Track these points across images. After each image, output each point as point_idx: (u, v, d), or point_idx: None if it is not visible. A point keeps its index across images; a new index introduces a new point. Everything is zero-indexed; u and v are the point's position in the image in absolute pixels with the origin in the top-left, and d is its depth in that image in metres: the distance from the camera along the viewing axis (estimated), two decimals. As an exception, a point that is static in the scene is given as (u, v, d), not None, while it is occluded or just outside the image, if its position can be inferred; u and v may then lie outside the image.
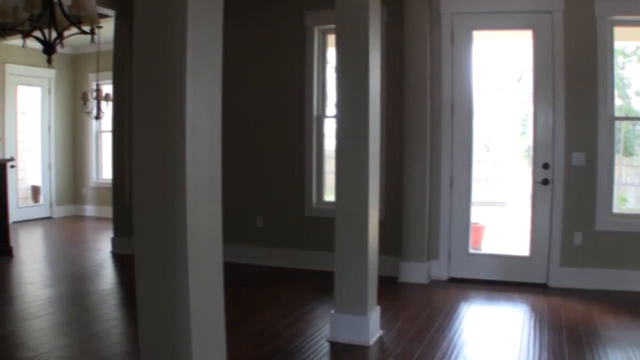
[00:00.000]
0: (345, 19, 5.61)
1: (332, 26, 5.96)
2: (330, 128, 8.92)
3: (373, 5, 5.59)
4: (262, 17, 9.17)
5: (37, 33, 6.59)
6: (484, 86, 8.41)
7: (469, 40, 8.05)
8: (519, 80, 9.60)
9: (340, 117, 5.71)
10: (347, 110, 5.66)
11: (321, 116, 8.98)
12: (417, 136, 8.05)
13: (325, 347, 5.64)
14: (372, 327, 5.71)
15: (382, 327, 6.04)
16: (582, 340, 5.76)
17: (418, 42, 8.02)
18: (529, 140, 8.23)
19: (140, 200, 3.39)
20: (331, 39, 8.90)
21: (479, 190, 8.55)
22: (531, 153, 7.97)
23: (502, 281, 7.89)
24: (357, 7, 5.54)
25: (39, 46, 6.83)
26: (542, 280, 7.79)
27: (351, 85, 5.63)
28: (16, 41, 9.63)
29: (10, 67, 13.87)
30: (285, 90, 9.06)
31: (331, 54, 8.94)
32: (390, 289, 7.60)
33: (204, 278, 3.37)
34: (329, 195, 9.01)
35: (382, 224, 6.46)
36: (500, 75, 8.96)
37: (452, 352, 5.48)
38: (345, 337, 5.71)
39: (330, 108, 8.97)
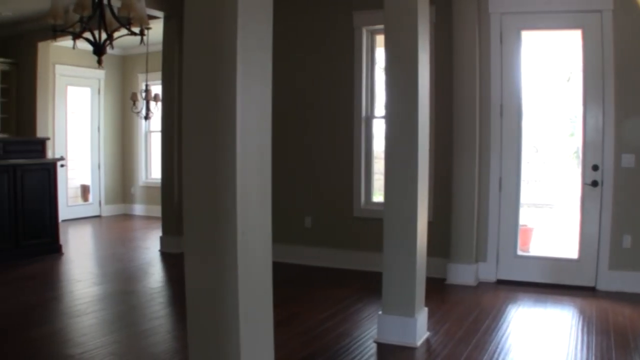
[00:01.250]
0: (394, 20, 5.59)
1: (381, 26, 5.95)
2: (379, 129, 8.90)
3: (422, 6, 5.56)
4: (311, 18, 9.19)
5: (87, 34, 6.65)
6: (532, 87, 8.33)
7: (517, 40, 7.97)
8: (568, 80, 9.50)
9: (389, 118, 5.68)
10: (396, 111, 5.63)
11: (370, 117, 8.96)
12: (466, 137, 8.00)
13: (372, 348, 5.63)
14: (419, 329, 5.68)
15: (430, 328, 6.01)
16: (630, 344, 5.67)
17: (467, 43, 7.97)
18: (578, 141, 8.13)
19: (191, 200, 3.40)
20: (379, 39, 8.89)
21: (527, 192, 8.45)
22: (580, 154, 7.88)
23: (550, 284, 7.81)
24: (406, 7, 5.51)
25: (88, 47, 6.89)
26: (590, 284, 7.70)
27: (400, 86, 5.60)
28: (66, 42, 9.72)
29: (60, 68, 14.05)
30: (334, 91, 9.06)
31: (379, 54, 8.93)
32: (438, 290, 7.56)
33: (253, 277, 3.38)
34: (378, 196, 8.99)
35: (431, 225, 6.43)
36: (549, 76, 8.88)
37: (499, 355, 5.43)
38: (392, 339, 5.69)
39: (379, 109, 8.95)
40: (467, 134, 7.98)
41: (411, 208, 5.58)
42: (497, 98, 8.00)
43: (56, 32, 6.53)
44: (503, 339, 5.84)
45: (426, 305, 5.98)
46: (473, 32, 7.94)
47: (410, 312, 5.63)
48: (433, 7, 7.72)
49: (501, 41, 7.98)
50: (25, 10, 11.64)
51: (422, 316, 5.77)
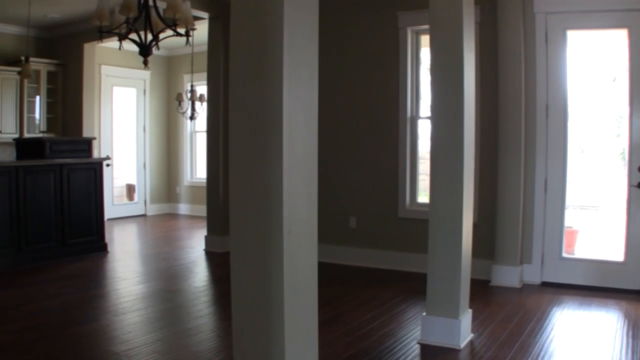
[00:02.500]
0: (439, 20, 5.56)
1: (426, 27, 5.93)
2: (424, 129, 8.88)
3: (467, 5, 5.54)
4: (355, 18, 9.19)
5: (133, 35, 6.72)
6: (578, 87, 8.24)
7: (563, 40, 7.90)
8: (613, 80, 9.40)
9: (435, 119, 5.65)
10: (442, 111, 5.60)
11: (415, 117, 8.93)
12: (511, 137, 7.94)
13: (415, 349, 5.61)
14: (463, 331, 5.66)
15: (473, 330, 5.98)
16: (678, 348, 5.62)
17: (512, 43, 7.92)
18: (624, 142, 8.04)
19: (237, 199, 3.43)
20: (424, 39, 8.86)
21: (572, 193, 8.37)
22: (626, 156, 7.79)
23: (595, 287, 7.72)
24: (451, 7, 5.49)
25: (134, 48, 6.96)
26: (636, 287, 7.59)
27: (445, 87, 5.57)
28: (112, 44, 9.82)
29: (105, 69, 14.22)
30: (379, 92, 9.06)
31: (424, 54, 8.91)
32: (482, 292, 7.52)
33: (299, 277, 3.39)
34: (422, 197, 8.97)
35: (475, 226, 6.38)
36: (594, 76, 8.79)
37: (542, 358, 5.38)
38: (436, 340, 5.67)
39: (424, 109, 8.92)
40: (513, 134, 7.93)
41: (456, 209, 5.55)
42: (543, 98, 7.94)
43: (102, 34, 6.59)
44: (547, 342, 5.79)
45: (470, 306, 5.96)
46: (518, 32, 7.89)
47: (454, 314, 5.61)
48: (478, 7, 7.66)
49: (546, 41, 7.91)
50: (71, 12, 11.79)
51: (466, 318, 5.75)
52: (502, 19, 7.95)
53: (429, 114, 5.79)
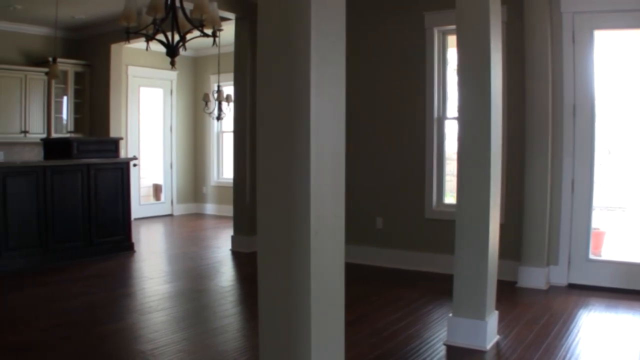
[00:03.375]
0: (466, 20, 5.54)
1: (452, 27, 5.90)
2: (451, 130, 8.85)
3: (493, 5, 5.52)
4: (381, 18, 9.18)
5: (160, 36, 6.74)
6: (605, 87, 8.19)
7: (590, 40, 7.84)
8: (643, 81, 9.34)
9: (462, 119, 5.63)
10: (469, 112, 5.57)
11: (442, 118, 8.90)
12: (538, 138, 7.89)
13: (441, 351, 5.59)
14: (489, 332, 5.63)
15: (500, 332, 5.95)
16: None
17: (538, 42, 7.87)
18: (652, 143, 7.99)
19: (264, 200, 3.43)
20: (451, 39, 8.84)
21: (599, 194, 8.31)
22: (655, 157, 7.75)
23: (622, 289, 7.65)
24: (478, 8, 5.47)
25: (160, 49, 6.99)
26: (664, 289, 7.56)
27: (472, 87, 5.55)
28: (139, 44, 9.85)
29: (132, 69, 14.29)
30: (405, 92, 9.04)
31: (451, 55, 8.88)
32: (509, 293, 7.49)
33: (326, 278, 3.40)
34: (449, 198, 8.94)
35: (502, 227, 6.32)
36: (622, 76, 8.73)
37: (569, 360, 5.38)
38: (462, 341, 5.65)
39: (451, 109, 8.89)
40: (539, 134, 7.88)
41: (483, 210, 5.52)
42: (570, 99, 7.89)
43: (129, 35, 6.62)
44: (573, 344, 5.76)
45: (496, 308, 5.93)
46: (545, 32, 7.85)
47: (480, 315, 5.59)
48: (504, 7, 7.65)
49: (573, 41, 7.86)
50: (98, 14, 11.88)
51: (492, 319, 5.73)
52: (528, 19, 7.91)
53: (455, 114, 5.76)
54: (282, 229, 3.36)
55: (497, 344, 5.70)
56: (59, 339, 5.85)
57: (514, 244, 8.05)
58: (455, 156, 5.71)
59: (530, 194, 7.95)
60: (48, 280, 8.26)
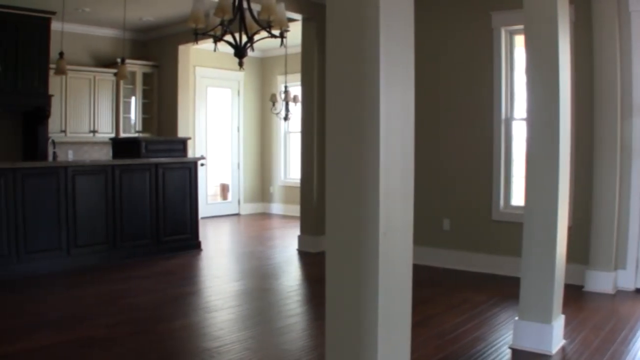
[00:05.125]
0: (534, 20, 5.47)
1: (520, 27, 5.84)
2: (518, 130, 8.74)
3: (562, 5, 5.45)
4: (448, 18, 9.13)
5: (228, 37, 6.79)
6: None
7: (661, 39, 7.72)
8: None
9: (531, 121, 5.55)
10: (537, 113, 5.49)
11: (509, 118, 8.80)
12: (607, 139, 7.75)
13: (506, 354, 5.54)
14: (555, 336, 5.56)
15: (565, 336, 5.86)
16: None
17: (607, 42, 7.74)
18: None
19: (333, 200, 3.45)
20: (518, 39, 8.75)
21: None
22: None
23: (694, 294, 7.53)
24: (546, 7, 5.40)
25: (227, 50, 7.04)
26: None
27: (541, 88, 5.47)
28: (206, 45, 9.96)
29: (200, 70, 14.44)
30: (473, 92, 8.97)
31: (518, 54, 8.79)
32: (575, 297, 7.38)
33: (394, 279, 3.39)
34: (517, 199, 8.84)
35: (569, 230, 6.24)
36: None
37: (636, 366, 5.29)
38: (527, 345, 5.58)
39: (518, 110, 8.78)
40: (608, 135, 7.74)
41: (552, 212, 5.44)
42: (639, 98, 7.76)
43: (197, 36, 6.68)
44: (641, 350, 5.67)
45: (563, 312, 5.84)
46: (613, 31, 7.71)
47: (547, 319, 5.51)
48: (572, 6, 7.55)
49: (643, 40, 7.74)
50: (165, 15, 12.03)
51: (558, 323, 5.65)
52: (596, 18, 7.78)
53: (523, 115, 5.69)
54: (350, 229, 3.36)
55: (563, 349, 5.62)
56: (124, 334, 5.95)
57: (582, 247, 7.91)
58: (522, 157, 5.63)
59: (599, 196, 7.82)
60: (115, 277, 8.40)
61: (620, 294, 7.67)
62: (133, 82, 13.05)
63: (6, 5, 10.17)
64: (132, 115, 13.19)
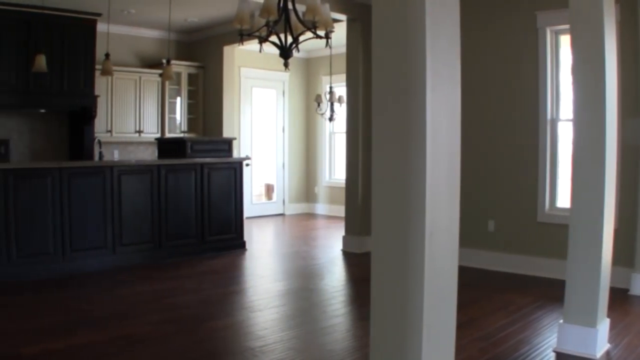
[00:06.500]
0: (580, 19, 5.43)
1: (565, 27, 5.78)
2: (564, 131, 8.66)
3: (607, 4, 5.39)
4: (493, 18, 9.08)
5: (273, 38, 6.81)
6: None
7: None
8: None
9: (577, 122, 5.50)
10: (584, 113, 5.43)
11: (555, 119, 8.73)
12: (654, 140, 7.69)
13: (551, 357, 5.48)
14: (600, 340, 5.49)
15: (610, 340, 5.79)
16: None
17: (654, 41, 7.68)
18: None
19: (379, 200, 3.44)
20: (564, 39, 8.67)
21: None
22: None
23: None
24: (592, 7, 5.35)
25: (272, 50, 7.06)
26: None
27: (587, 88, 5.41)
28: (251, 46, 9.99)
29: (245, 71, 14.53)
30: (518, 93, 8.91)
31: (564, 55, 8.71)
32: (621, 301, 7.28)
33: (439, 280, 3.38)
34: (562, 201, 8.76)
35: (615, 232, 6.16)
36: None
37: (682, 372, 5.22)
38: (571, 349, 5.52)
39: (564, 111, 8.70)
40: (655, 136, 7.67)
41: (598, 214, 5.38)
42: (688, 100, 7.65)
43: (243, 37, 6.71)
44: (688, 355, 5.59)
45: (608, 316, 5.78)
46: (660, 30, 7.64)
47: (592, 323, 5.46)
48: (617, 6, 7.46)
49: (692, 39, 7.64)
50: (210, 16, 12.12)
51: (603, 327, 5.59)
52: (643, 17, 7.71)
53: (569, 116, 5.64)
54: (396, 230, 3.36)
55: (608, 353, 5.55)
56: (167, 333, 6.01)
57: (628, 250, 7.81)
58: (568, 158, 5.57)
59: (646, 198, 7.73)
60: (160, 275, 8.49)
61: (666, 298, 7.57)
62: (178, 83, 13.17)
63: (53, 8, 10.31)
64: (178, 116, 13.30)
